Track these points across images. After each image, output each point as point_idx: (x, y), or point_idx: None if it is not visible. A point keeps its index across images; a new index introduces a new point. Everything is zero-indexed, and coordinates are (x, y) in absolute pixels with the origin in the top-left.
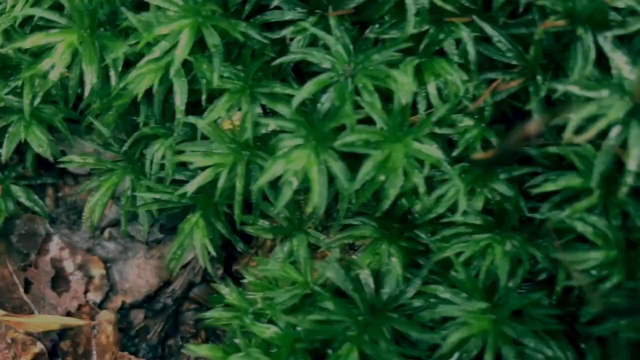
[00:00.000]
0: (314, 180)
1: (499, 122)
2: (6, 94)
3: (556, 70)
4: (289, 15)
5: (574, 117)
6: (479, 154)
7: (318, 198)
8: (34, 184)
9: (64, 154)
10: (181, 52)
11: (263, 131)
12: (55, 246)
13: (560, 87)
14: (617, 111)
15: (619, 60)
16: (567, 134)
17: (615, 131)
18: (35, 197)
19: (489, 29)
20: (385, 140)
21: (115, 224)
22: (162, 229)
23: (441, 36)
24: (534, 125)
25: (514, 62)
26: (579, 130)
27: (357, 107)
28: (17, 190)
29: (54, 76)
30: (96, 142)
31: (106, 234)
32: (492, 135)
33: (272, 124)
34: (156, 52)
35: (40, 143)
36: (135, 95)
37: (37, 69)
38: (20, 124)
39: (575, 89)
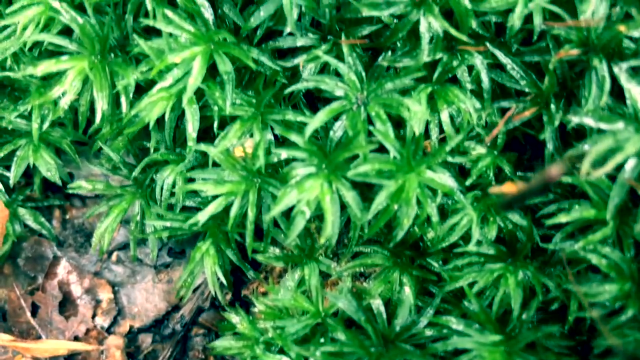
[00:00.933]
0: (327, 211)
1: (512, 149)
2: (15, 117)
3: (569, 97)
4: (301, 42)
5: (591, 151)
6: (495, 188)
7: (331, 229)
8: (41, 205)
9: (71, 176)
10: (194, 81)
11: (275, 160)
12: (62, 269)
13: (575, 119)
14: (634, 145)
15: (634, 90)
16: (584, 169)
17: (630, 164)
18: (43, 219)
19: (502, 57)
20: (399, 170)
21: (123, 247)
22: (170, 253)
23: (454, 63)
24: (555, 169)
25: (527, 90)
26: (595, 163)
27: (370, 134)
28: (24, 213)
29: (64, 104)
30: (105, 167)
31: (114, 257)
32: (505, 164)
33: (284, 153)
34: (168, 79)
35: (48, 168)
36: (146, 123)
37: (47, 96)
38: (29, 148)
39: (590, 121)
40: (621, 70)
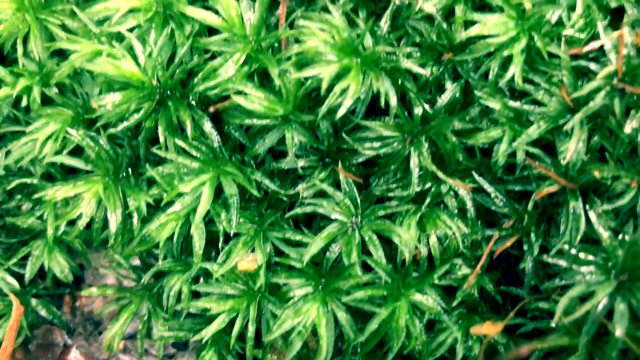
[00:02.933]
0: (322, 337)
1: (495, 267)
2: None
3: (549, 221)
4: (301, 163)
5: (564, 299)
6: (475, 329)
7: (326, 351)
8: (52, 293)
9: (81, 267)
10: (202, 209)
11: (275, 281)
12: (73, 357)
13: (550, 260)
14: (604, 291)
15: (604, 235)
16: (557, 316)
17: (601, 305)
18: (54, 309)
19: (487, 186)
20: (390, 296)
21: (131, 336)
22: (174, 344)
23: (443, 190)
24: (524, 349)
25: (509, 215)
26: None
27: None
28: (37, 304)
29: (81, 225)
30: (115, 271)
31: (121, 345)
32: (488, 283)
33: (283, 279)
34: (177, 205)
35: (62, 269)
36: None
37: (65, 218)
38: (44, 249)
39: (563, 263)
40: (595, 214)
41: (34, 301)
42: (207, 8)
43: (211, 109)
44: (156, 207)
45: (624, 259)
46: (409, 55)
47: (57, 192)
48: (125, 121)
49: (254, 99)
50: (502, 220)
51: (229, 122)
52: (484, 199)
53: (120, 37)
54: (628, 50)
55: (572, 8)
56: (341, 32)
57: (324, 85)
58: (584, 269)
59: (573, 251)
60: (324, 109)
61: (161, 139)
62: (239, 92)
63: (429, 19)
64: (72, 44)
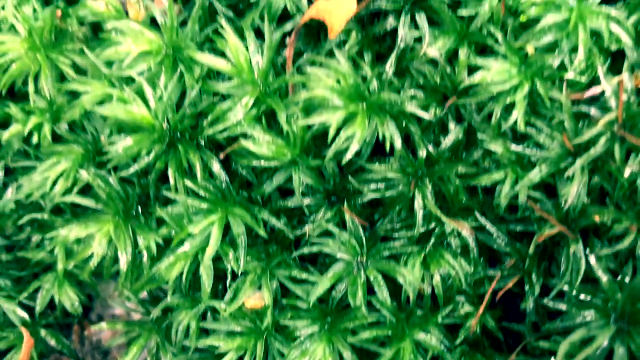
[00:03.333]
0: None
1: (496, 303)
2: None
3: (550, 260)
4: (307, 201)
5: (565, 344)
6: None
7: None
8: (61, 322)
9: (89, 297)
10: (211, 250)
11: (281, 321)
12: None
13: (551, 304)
14: (604, 336)
15: (603, 278)
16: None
17: (600, 350)
18: (63, 339)
19: (489, 226)
20: (394, 336)
21: None
22: None
23: (446, 230)
24: None
25: (511, 254)
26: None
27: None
28: (46, 334)
29: (93, 265)
30: (124, 304)
31: None
32: (490, 320)
33: (289, 319)
34: (186, 245)
35: (72, 302)
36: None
37: (76, 258)
38: (54, 282)
39: (563, 307)
40: (594, 258)
41: (43, 331)
42: (215, 50)
43: (221, 156)
44: (166, 245)
45: (623, 303)
46: (412, 97)
47: (70, 232)
48: (136, 164)
49: (262, 143)
50: (505, 258)
51: (238, 162)
52: (487, 238)
53: (130, 78)
54: (628, 96)
55: (574, 49)
56: (347, 78)
57: (332, 132)
58: (583, 314)
59: (574, 292)
60: (330, 153)
61: (171, 181)
62: (247, 135)
63: (433, 61)
64: (82, 85)
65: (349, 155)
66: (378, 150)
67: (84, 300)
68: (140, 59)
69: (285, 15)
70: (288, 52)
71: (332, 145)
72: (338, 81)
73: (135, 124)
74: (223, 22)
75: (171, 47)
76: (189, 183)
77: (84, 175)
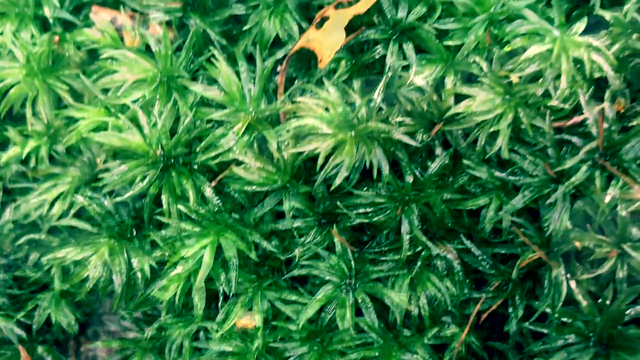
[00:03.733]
0: None
1: (482, 325)
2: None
3: (535, 281)
4: (297, 223)
5: None
6: None
7: None
8: (56, 337)
9: (86, 314)
10: (203, 273)
11: (271, 342)
12: None
13: (533, 328)
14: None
15: (583, 302)
16: None
17: None
18: (59, 355)
19: (475, 250)
20: (382, 357)
21: None
22: None
23: (432, 253)
24: None
25: (495, 276)
26: None
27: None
28: (42, 351)
29: (88, 287)
30: (119, 323)
31: None
32: (475, 341)
33: (279, 341)
34: (179, 268)
35: (68, 321)
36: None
37: (72, 281)
38: (51, 301)
39: (545, 330)
40: (574, 283)
41: (40, 348)
42: (209, 78)
43: (213, 183)
44: (159, 266)
45: (602, 326)
46: (400, 124)
47: (66, 255)
48: (131, 190)
49: (253, 170)
50: (490, 280)
51: (230, 185)
52: (472, 260)
53: (125, 105)
54: (609, 125)
55: (558, 77)
56: (336, 107)
57: (320, 161)
58: (564, 337)
59: (555, 315)
60: (319, 180)
61: (164, 206)
62: (239, 162)
63: (420, 89)
64: (79, 112)
65: (337, 182)
66: (367, 174)
67: (80, 318)
68: (135, 87)
69: (277, 42)
70: (280, 79)
71: (321, 172)
72: (327, 109)
73: (130, 150)
74: (216, 52)
75: (165, 75)
76: (181, 207)
77: (80, 199)
